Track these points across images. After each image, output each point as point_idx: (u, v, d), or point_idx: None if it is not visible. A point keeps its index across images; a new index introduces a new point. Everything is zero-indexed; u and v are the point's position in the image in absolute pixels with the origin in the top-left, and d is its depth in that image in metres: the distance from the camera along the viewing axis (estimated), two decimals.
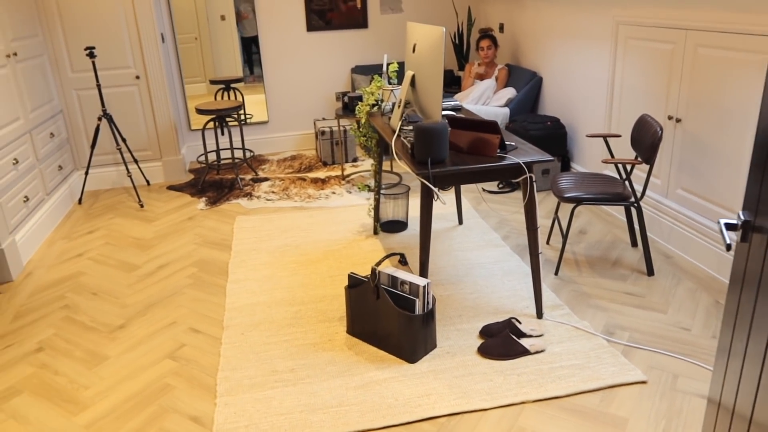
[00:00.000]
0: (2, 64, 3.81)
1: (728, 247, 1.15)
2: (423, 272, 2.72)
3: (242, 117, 6.00)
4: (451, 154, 2.68)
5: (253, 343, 2.77)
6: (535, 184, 2.61)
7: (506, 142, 2.68)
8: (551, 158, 2.58)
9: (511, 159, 2.55)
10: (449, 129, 2.68)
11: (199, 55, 5.82)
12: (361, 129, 3.62)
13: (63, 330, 2.99)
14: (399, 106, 3.06)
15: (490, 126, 2.59)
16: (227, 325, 2.94)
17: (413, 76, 2.99)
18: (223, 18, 5.85)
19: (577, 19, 4.35)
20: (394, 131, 3.00)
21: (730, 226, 1.23)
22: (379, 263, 2.60)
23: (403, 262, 3.34)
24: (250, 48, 5.90)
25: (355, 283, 2.71)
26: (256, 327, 2.91)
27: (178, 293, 3.30)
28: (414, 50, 2.98)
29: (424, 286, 2.51)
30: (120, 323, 3.03)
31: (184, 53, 5.70)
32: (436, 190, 2.55)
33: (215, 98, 5.87)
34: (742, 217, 1.23)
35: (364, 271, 3.39)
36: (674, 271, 3.29)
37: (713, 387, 1.47)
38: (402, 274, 2.58)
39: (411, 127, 3.03)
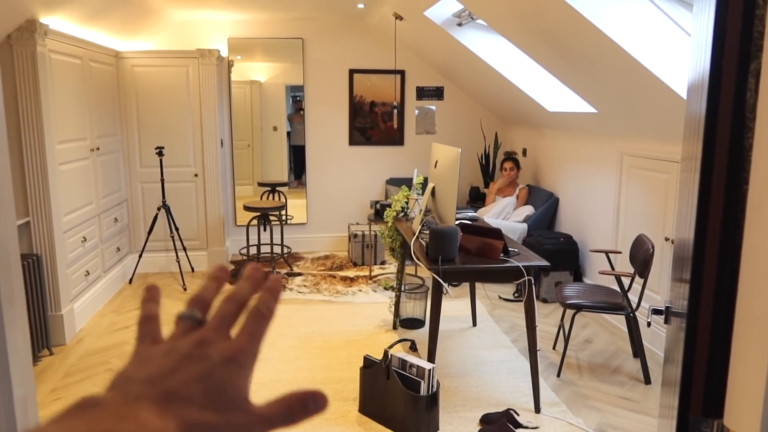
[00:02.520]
0: (87, 156, 4.47)
1: (648, 324, 1.48)
2: (430, 358, 3.02)
3: (284, 217, 6.56)
4: (461, 255, 3.07)
5: None
6: (533, 286, 2.95)
7: (509, 248, 3.06)
8: (548, 264, 2.95)
9: (512, 262, 2.92)
10: (461, 233, 3.09)
11: (250, 160, 6.52)
12: (388, 231, 4.07)
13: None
14: (420, 213, 3.51)
15: (496, 233, 2.99)
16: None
17: (434, 188, 3.46)
18: (275, 129, 6.62)
19: (589, 148, 4.85)
20: (414, 233, 3.43)
21: (656, 311, 1.57)
22: (391, 346, 2.93)
23: (413, 348, 3.64)
24: (296, 156, 6.58)
25: (369, 364, 3.02)
26: None
27: None
28: (436, 166, 3.47)
29: (430, 370, 2.81)
30: None
31: (238, 157, 6.39)
32: (446, 285, 2.92)
33: (261, 198, 6.47)
34: (666, 305, 1.57)
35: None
36: None
37: None
38: (411, 358, 2.90)
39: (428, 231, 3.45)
